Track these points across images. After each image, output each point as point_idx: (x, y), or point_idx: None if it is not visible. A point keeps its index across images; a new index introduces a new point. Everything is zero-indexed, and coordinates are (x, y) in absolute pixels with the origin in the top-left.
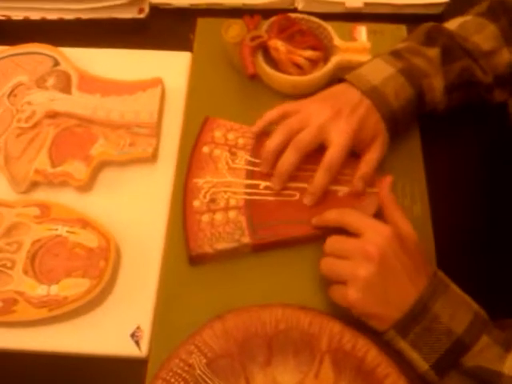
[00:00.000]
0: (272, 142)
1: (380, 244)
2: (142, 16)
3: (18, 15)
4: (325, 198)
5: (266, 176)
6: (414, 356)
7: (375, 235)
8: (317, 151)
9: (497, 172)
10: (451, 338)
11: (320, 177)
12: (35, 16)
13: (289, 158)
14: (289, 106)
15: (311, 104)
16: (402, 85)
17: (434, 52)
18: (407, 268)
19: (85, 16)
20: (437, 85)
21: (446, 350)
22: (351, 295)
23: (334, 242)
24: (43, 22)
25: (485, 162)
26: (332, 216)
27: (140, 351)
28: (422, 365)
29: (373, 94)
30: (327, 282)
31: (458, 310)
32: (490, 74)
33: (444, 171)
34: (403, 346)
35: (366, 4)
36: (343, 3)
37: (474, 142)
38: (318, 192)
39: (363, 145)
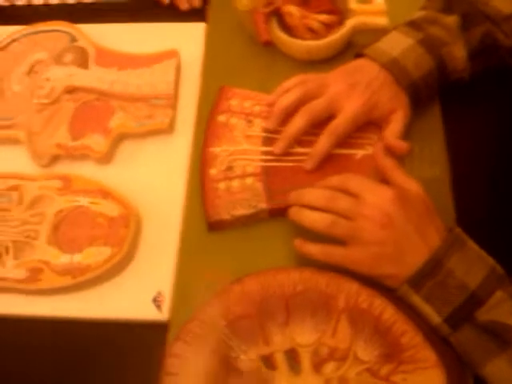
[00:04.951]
0: (286, 99)
1: (383, 207)
2: None
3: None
4: (342, 162)
5: None
6: (427, 310)
7: (377, 198)
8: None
9: None
10: (465, 292)
11: (321, 141)
12: (38, 1)
13: (298, 122)
14: (307, 75)
15: (329, 76)
16: (422, 55)
17: (451, 19)
18: (417, 227)
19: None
20: (458, 53)
21: (460, 304)
22: (361, 260)
23: (329, 198)
24: (47, 7)
25: (506, 126)
26: (333, 182)
27: (162, 315)
28: (435, 318)
29: (392, 66)
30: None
31: (473, 265)
32: None
33: (464, 133)
34: (416, 300)
35: None
36: None
37: (495, 107)
38: (318, 156)
39: (382, 117)
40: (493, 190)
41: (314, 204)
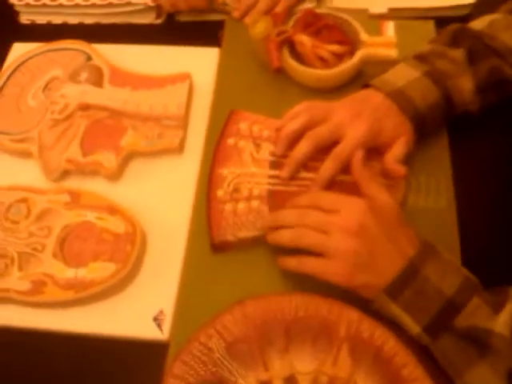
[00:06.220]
0: (292, 125)
1: (354, 217)
2: (159, 21)
3: (41, 19)
4: (346, 189)
5: None
6: (406, 319)
7: (348, 209)
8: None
9: None
10: (442, 300)
11: (326, 166)
12: (57, 20)
13: (303, 147)
14: (313, 102)
15: (335, 104)
16: (428, 87)
17: (458, 53)
18: (390, 236)
19: (104, 21)
20: (465, 85)
21: (437, 312)
22: (335, 269)
23: (299, 214)
24: (65, 26)
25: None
26: (304, 200)
27: (162, 334)
28: (415, 327)
29: (397, 96)
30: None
31: (447, 273)
32: None
33: (471, 165)
34: (394, 309)
35: (390, 10)
36: (367, 10)
37: (502, 139)
38: (323, 180)
39: (386, 143)
40: (499, 222)
41: (286, 223)
